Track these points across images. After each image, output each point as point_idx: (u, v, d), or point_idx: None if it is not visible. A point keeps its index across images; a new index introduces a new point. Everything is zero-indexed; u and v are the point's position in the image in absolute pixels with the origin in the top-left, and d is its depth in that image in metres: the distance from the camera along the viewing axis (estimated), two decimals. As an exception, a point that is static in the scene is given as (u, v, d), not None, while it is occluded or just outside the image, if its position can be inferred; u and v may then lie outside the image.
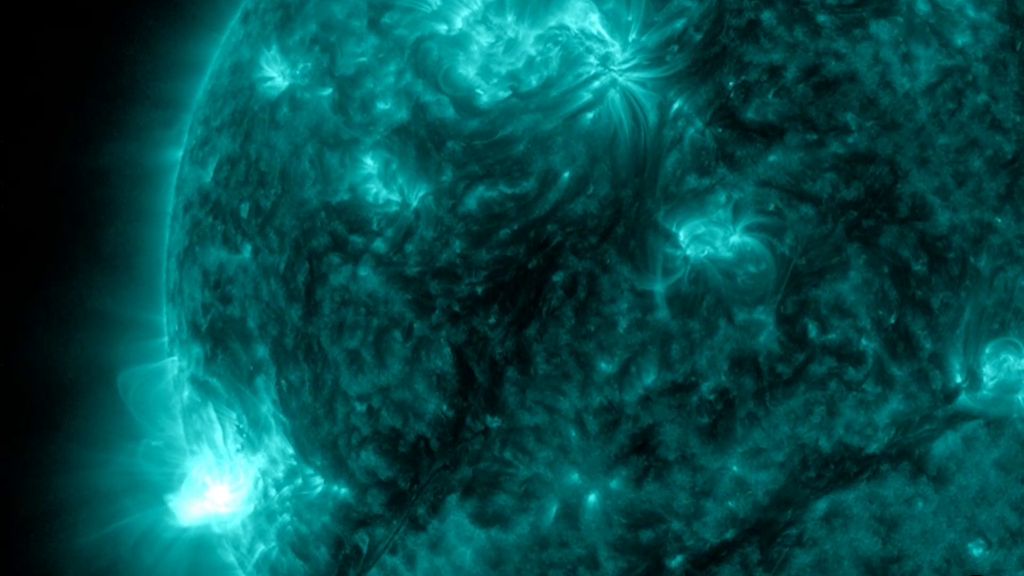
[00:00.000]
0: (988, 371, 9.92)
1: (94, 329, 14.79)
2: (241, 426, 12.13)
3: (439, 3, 11.06)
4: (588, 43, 10.40)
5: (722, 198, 9.83)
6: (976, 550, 10.25)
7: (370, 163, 10.93)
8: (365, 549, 11.38)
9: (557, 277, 10.10)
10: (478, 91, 10.58)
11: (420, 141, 10.68)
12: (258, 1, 13.07)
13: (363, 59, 11.23)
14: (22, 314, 14.88)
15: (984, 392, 9.93)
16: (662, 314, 9.91)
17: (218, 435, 12.52)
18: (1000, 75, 10.02)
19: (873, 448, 9.96)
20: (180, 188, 13.71)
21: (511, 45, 10.62)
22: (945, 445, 10.02)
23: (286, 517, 11.95)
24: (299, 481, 11.70)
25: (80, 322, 14.80)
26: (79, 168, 15.20)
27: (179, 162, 14.06)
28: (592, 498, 10.38)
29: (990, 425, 9.99)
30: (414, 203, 10.67)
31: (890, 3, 10.10)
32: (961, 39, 10.05)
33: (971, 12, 10.11)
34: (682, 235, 9.90)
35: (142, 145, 14.94)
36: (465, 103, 10.59)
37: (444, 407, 10.60)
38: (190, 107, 14.28)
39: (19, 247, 15.01)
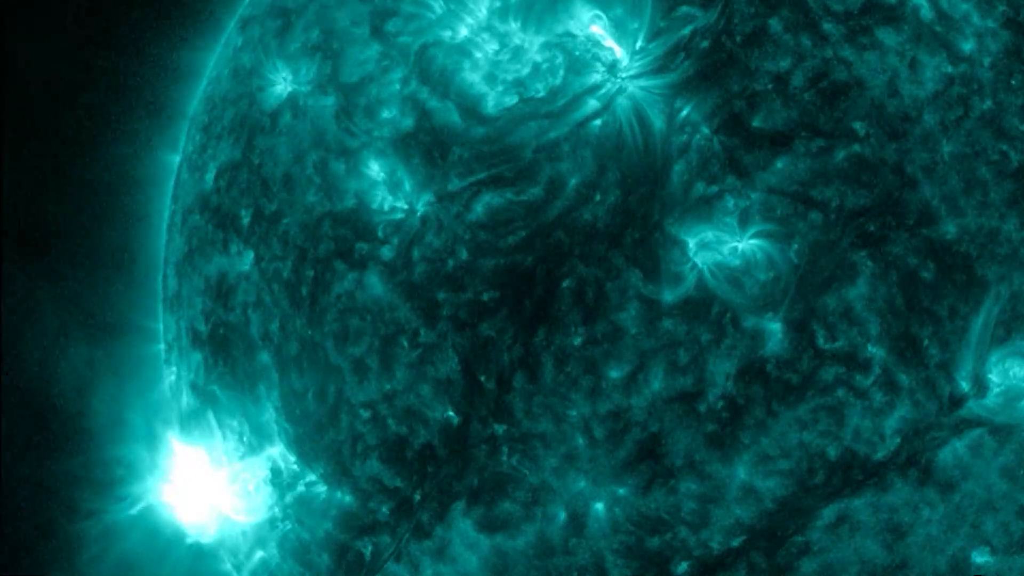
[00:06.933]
0: (995, 378, 9.94)
1: (89, 335, 14.73)
2: (242, 433, 12.09)
3: (443, 10, 11.05)
4: (595, 50, 10.40)
5: (730, 205, 9.84)
6: (980, 557, 10.28)
7: (375, 170, 10.91)
8: (368, 556, 11.36)
9: (565, 284, 10.10)
10: (484, 98, 10.57)
11: (426, 148, 10.67)
12: (256, 8, 13.05)
13: (367, 66, 11.22)
14: (15, 319, 14.81)
15: (991, 399, 9.96)
16: (670, 321, 9.92)
17: (218, 442, 12.48)
18: (1006, 82, 10.06)
19: (880, 455, 9.98)
20: (178, 195, 13.67)
21: (517, 52, 10.62)
22: (952, 452, 10.04)
23: (288, 524, 11.92)
24: (301, 488, 11.67)
25: (75, 328, 14.75)
26: (72, 174, 15.15)
27: (176, 168, 14.02)
28: (599, 505, 10.38)
29: (996, 432, 10.02)
30: (420, 210, 10.66)
31: (896, 11, 10.12)
32: (967, 46, 10.08)
33: (976, 19, 10.14)
34: (690, 242, 9.90)
35: (137, 151, 14.90)
36: (471, 110, 10.58)
37: (450, 414, 10.59)
38: (186, 113, 14.25)
39: (13, 251, 14.95)
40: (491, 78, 10.64)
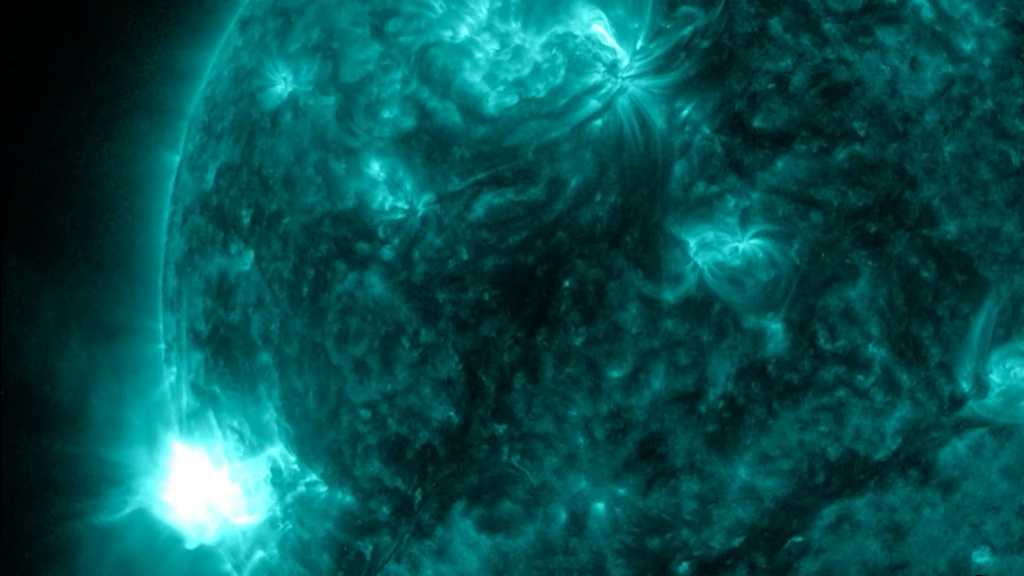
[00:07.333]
0: (995, 378, 9.95)
1: (88, 335, 14.72)
2: (242, 433, 12.09)
3: (443, 10, 11.05)
4: (595, 50, 10.40)
5: (731, 205, 9.84)
6: (981, 557, 10.28)
7: (376, 170, 10.91)
8: (369, 556, 11.36)
9: (566, 284, 10.09)
10: (485, 98, 10.57)
11: (426, 148, 10.66)
12: (257, 8, 13.04)
13: (368, 66, 11.21)
14: (15, 319, 14.80)
15: (991, 399, 9.97)
16: (671, 321, 9.92)
17: (218, 442, 12.47)
18: (1006, 83, 10.06)
19: (881, 455, 9.98)
20: (178, 195, 13.66)
21: (517, 52, 10.61)
22: (952, 452, 10.05)
23: (288, 524, 11.91)
24: (302, 488, 11.67)
25: (74, 328, 14.73)
26: (72, 174, 15.14)
27: (175, 168, 14.01)
28: (599, 505, 10.38)
29: (997, 432, 10.03)
30: (421, 210, 10.66)
31: (896, 11, 10.13)
32: (967, 46, 10.08)
33: (977, 20, 10.15)
34: (691, 242, 9.90)
35: (137, 151, 14.89)
36: (472, 110, 10.58)
37: (451, 414, 10.59)
38: (186, 113, 14.25)
39: (13, 251, 14.94)
40: (492, 78, 10.63)
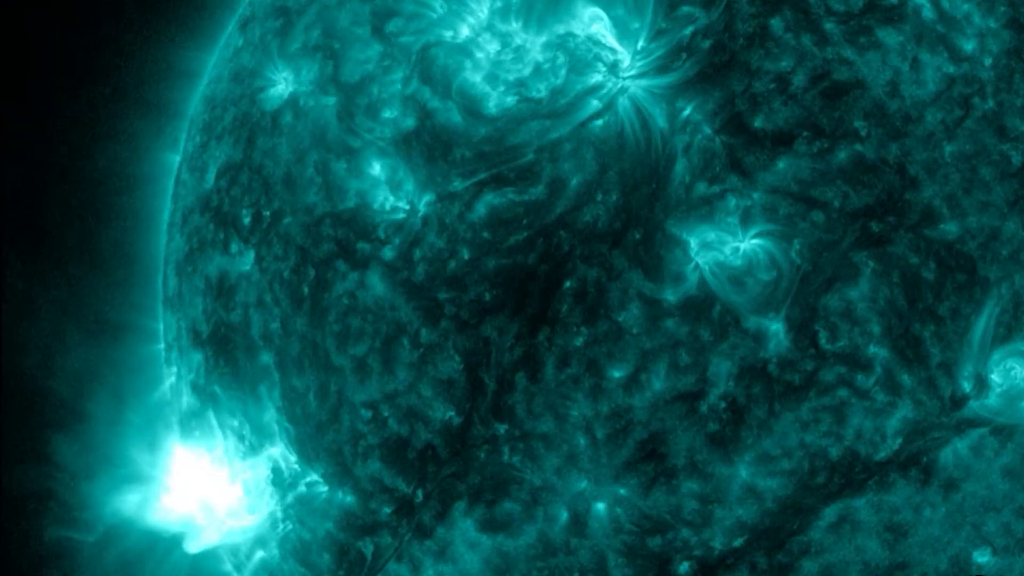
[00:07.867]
0: (996, 378, 9.94)
1: (88, 335, 14.71)
2: (243, 433, 12.08)
3: (444, 10, 11.04)
4: (596, 50, 10.40)
5: (732, 205, 9.84)
6: (982, 557, 10.28)
7: (377, 170, 10.90)
8: (370, 556, 11.35)
9: (567, 284, 10.09)
10: (486, 98, 10.56)
11: (427, 148, 10.66)
12: (257, 8, 13.04)
13: (368, 66, 11.21)
14: (15, 319, 14.80)
15: (992, 399, 9.96)
16: (672, 321, 9.92)
17: (218, 442, 12.47)
18: (1007, 82, 10.06)
19: (882, 455, 9.98)
20: (178, 195, 13.65)
21: (518, 52, 10.61)
22: (953, 452, 10.05)
23: (288, 524, 11.91)
24: (302, 488, 11.67)
25: (74, 328, 14.73)
26: (72, 174, 15.14)
27: (175, 168, 14.00)
28: (600, 505, 10.38)
29: (998, 432, 10.03)
30: (422, 210, 10.65)
31: (897, 11, 10.12)
32: (968, 46, 10.08)
33: (978, 19, 10.14)
34: (692, 242, 9.90)
35: (136, 151, 14.89)
36: (473, 110, 10.58)
37: (452, 414, 10.58)
38: (184, 113, 14.24)
39: (11, 252, 14.93)
40: (492, 78, 10.63)
